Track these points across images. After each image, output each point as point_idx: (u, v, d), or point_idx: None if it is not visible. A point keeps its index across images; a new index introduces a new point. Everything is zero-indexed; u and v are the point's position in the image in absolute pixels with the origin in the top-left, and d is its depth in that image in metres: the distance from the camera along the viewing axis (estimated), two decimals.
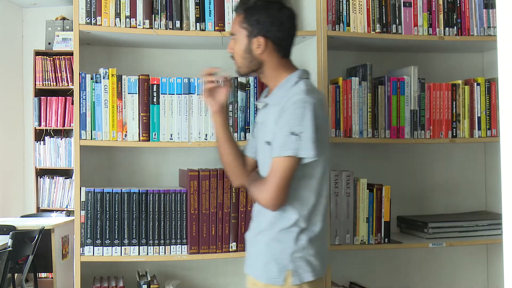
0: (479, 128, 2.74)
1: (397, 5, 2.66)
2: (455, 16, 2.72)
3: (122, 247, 2.39)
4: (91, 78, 2.39)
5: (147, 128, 2.41)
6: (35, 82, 5.57)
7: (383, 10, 2.64)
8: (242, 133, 2.50)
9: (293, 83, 1.96)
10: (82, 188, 2.38)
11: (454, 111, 2.72)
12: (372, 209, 2.59)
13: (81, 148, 2.37)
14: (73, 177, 4.44)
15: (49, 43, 5.63)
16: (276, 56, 1.99)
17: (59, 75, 5.57)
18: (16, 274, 4.53)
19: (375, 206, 2.59)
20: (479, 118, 2.74)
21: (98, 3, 2.40)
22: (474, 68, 3.02)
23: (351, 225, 2.57)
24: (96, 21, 2.40)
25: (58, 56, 5.55)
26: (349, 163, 2.81)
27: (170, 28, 2.47)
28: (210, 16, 2.48)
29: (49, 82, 5.57)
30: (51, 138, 5.64)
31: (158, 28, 2.46)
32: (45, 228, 4.15)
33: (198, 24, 2.48)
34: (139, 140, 2.41)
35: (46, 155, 5.63)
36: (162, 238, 2.42)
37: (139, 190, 2.41)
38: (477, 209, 3.02)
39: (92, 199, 2.37)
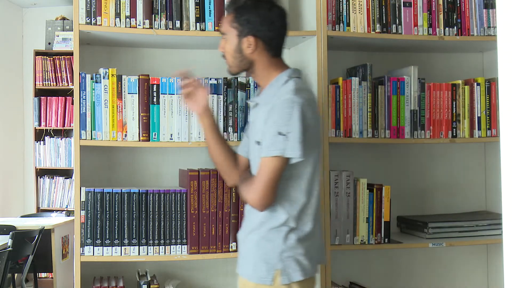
0: (479, 128, 2.74)
1: (397, 5, 2.66)
2: (455, 16, 2.72)
3: (122, 247, 2.39)
4: (91, 78, 2.39)
5: (147, 128, 2.41)
6: (35, 82, 5.57)
7: (383, 10, 2.64)
8: (242, 133, 2.50)
9: (282, 82, 1.96)
10: (82, 188, 2.38)
11: (454, 111, 2.72)
12: (372, 209, 2.59)
13: (81, 148, 2.37)
14: (73, 177, 4.44)
15: (49, 43, 5.63)
16: (267, 56, 1.99)
17: (59, 75, 5.57)
18: (16, 274, 4.54)
19: (375, 206, 2.59)
20: (479, 118, 2.74)
21: (98, 3, 2.40)
22: (474, 68, 3.02)
23: (351, 225, 2.57)
24: (96, 21, 2.40)
25: (58, 56, 5.55)
26: (349, 163, 2.81)
27: (170, 28, 2.47)
28: (210, 16, 2.48)
29: (49, 82, 5.58)
30: (51, 138, 5.64)
31: (158, 28, 2.46)
32: (45, 228, 4.15)
33: (198, 24, 2.48)
34: (139, 140, 2.41)
35: (46, 155, 5.63)
36: (162, 238, 2.42)
37: (139, 190, 2.41)
38: (477, 209, 3.02)
39: (92, 199, 2.37)
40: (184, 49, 2.75)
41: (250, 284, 1.94)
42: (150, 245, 2.41)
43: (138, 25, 2.44)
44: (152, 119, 2.42)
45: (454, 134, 2.72)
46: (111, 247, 2.38)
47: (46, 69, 5.56)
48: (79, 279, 2.36)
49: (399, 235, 2.79)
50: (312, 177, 1.95)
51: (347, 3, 2.60)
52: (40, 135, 5.66)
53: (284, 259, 1.90)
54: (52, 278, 4.51)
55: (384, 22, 2.64)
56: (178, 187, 2.53)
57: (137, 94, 2.41)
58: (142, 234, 2.40)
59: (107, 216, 2.38)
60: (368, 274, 2.88)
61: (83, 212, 2.37)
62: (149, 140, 2.42)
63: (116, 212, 2.39)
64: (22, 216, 5.21)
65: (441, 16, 2.70)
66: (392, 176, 2.91)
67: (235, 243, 2.46)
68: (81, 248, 2.37)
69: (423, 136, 2.68)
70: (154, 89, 2.42)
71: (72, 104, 4.63)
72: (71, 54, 4.20)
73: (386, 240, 2.60)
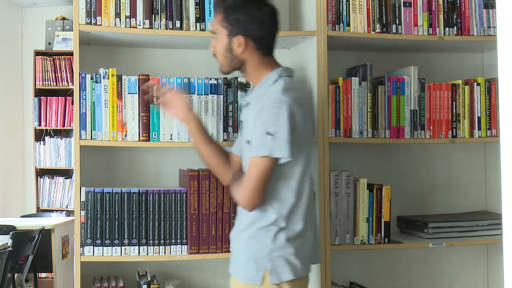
0: (479, 128, 2.74)
1: (397, 5, 2.66)
2: (455, 16, 2.72)
3: (122, 247, 2.39)
4: (91, 78, 2.39)
5: (147, 128, 2.41)
6: (35, 82, 5.58)
7: (383, 10, 2.64)
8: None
9: (272, 81, 1.96)
10: (82, 188, 2.38)
11: (454, 111, 2.72)
12: (372, 209, 2.59)
13: (81, 148, 2.37)
14: (73, 177, 4.44)
15: (49, 43, 5.63)
16: (257, 55, 1.98)
17: (59, 75, 5.57)
18: (16, 274, 4.54)
19: (375, 206, 2.59)
20: (479, 118, 2.74)
21: (98, 3, 2.40)
22: (474, 68, 3.02)
23: (351, 225, 2.57)
24: (96, 21, 2.40)
25: (58, 56, 5.55)
26: (349, 163, 2.81)
27: (170, 28, 2.47)
28: (210, 16, 2.48)
29: (49, 82, 5.58)
30: (51, 138, 5.65)
31: (158, 28, 2.46)
32: (45, 228, 4.15)
33: (198, 24, 2.48)
34: (139, 140, 2.41)
35: (46, 155, 5.64)
36: (162, 238, 2.42)
37: (139, 190, 2.41)
38: (477, 209, 3.02)
39: (92, 199, 2.37)
40: (184, 49, 2.75)
41: (240, 283, 1.94)
42: (150, 245, 2.41)
43: (138, 25, 2.44)
44: (152, 119, 2.42)
45: (454, 134, 2.72)
46: (111, 247, 2.38)
47: (46, 69, 5.56)
48: (79, 279, 2.36)
49: (399, 235, 2.79)
50: (302, 177, 1.94)
51: (347, 3, 2.60)
52: (40, 135, 5.66)
53: (273, 258, 1.89)
54: (52, 278, 4.51)
55: (384, 22, 2.64)
56: (178, 187, 2.53)
57: (137, 94, 2.41)
58: (142, 234, 2.40)
59: (107, 216, 2.38)
60: (368, 274, 2.88)
61: (83, 212, 2.37)
62: (149, 140, 2.42)
63: (116, 212, 2.39)
64: (22, 216, 5.21)
65: (441, 16, 2.70)
66: (392, 176, 2.91)
67: None
68: (81, 248, 2.37)
69: (423, 136, 2.68)
70: (154, 89, 2.42)
71: (72, 104, 4.63)
72: (71, 54, 4.20)
73: (386, 240, 2.60)
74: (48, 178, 5.67)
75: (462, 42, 2.75)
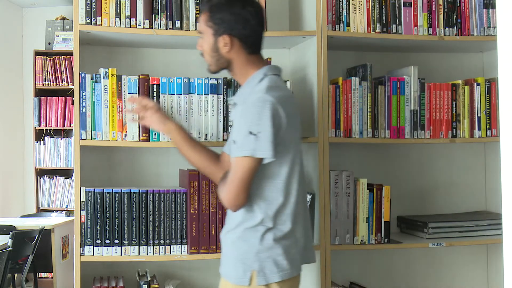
0: (479, 128, 2.74)
1: (397, 5, 2.66)
2: (455, 16, 2.72)
3: (122, 247, 2.39)
4: (91, 78, 2.39)
5: (147, 128, 2.41)
6: (35, 82, 5.57)
7: (383, 10, 2.64)
8: None
9: (258, 81, 1.95)
10: (82, 188, 2.38)
11: (454, 111, 2.72)
12: (372, 209, 2.59)
13: (81, 148, 2.37)
14: (73, 177, 4.44)
15: (49, 43, 5.63)
16: (244, 54, 1.97)
17: (59, 75, 5.57)
18: (16, 274, 4.53)
19: (375, 206, 2.59)
20: (479, 118, 2.74)
21: (98, 3, 2.40)
22: (474, 68, 3.02)
23: (351, 225, 2.57)
24: (96, 21, 2.40)
25: (58, 56, 5.55)
26: (349, 163, 2.81)
27: (170, 28, 2.47)
28: None
29: (49, 82, 5.58)
30: (51, 138, 5.64)
31: (158, 28, 2.46)
32: (45, 228, 4.15)
33: (198, 24, 2.48)
34: (139, 140, 2.41)
35: (46, 155, 5.63)
36: (162, 238, 2.42)
37: (139, 190, 2.41)
38: (477, 209, 3.02)
39: (92, 199, 2.37)
40: (184, 49, 2.75)
41: (229, 284, 1.93)
42: (150, 245, 2.41)
43: (138, 25, 2.44)
44: None
45: (454, 134, 2.72)
46: (111, 247, 2.38)
47: (46, 69, 5.56)
48: (79, 279, 2.36)
49: (399, 235, 2.79)
50: (290, 177, 1.92)
51: (347, 3, 2.60)
52: (40, 135, 5.66)
53: (261, 259, 1.88)
54: (52, 278, 4.51)
55: (384, 22, 2.64)
56: (178, 187, 2.53)
57: (137, 94, 2.41)
58: (142, 234, 2.40)
59: (107, 216, 2.38)
60: (368, 274, 2.88)
61: (83, 212, 2.37)
62: (149, 140, 2.41)
63: (116, 212, 2.39)
64: (22, 216, 5.21)
65: (441, 16, 2.70)
66: (392, 176, 2.91)
67: None
68: (81, 248, 2.37)
69: (423, 136, 2.68)
70: (154, 89, 2.42)
71: (72, 104, 4.63)
72: (71, 54, 4.20)
73: (386, 240, 2.60)
74: (48, 178, 5.67)
75: (462, 42, 2.76)
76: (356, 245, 2.58)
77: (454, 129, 2.72)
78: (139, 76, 2.42)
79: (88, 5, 2.40)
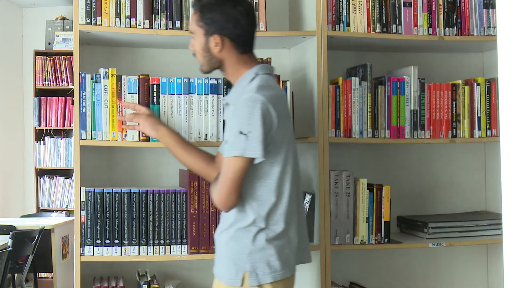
0: (479, 128, 2.74)
1: (397, 5, 2.66)
2: (455, 16, 2.72)
3: (122, 247, 2.39)
4: (91, 78, 2.39)
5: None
6: (35, 82, 5.57)
7: (383, 10, 2.64)
8: None
9: (249, 80, 1.94)
10: (82, 188, 2.38)
11: (454, 111, 2.72)
12: (372, 209, 2.59)
13: (81, 148, 2.37)
14: (73, 177, 4.44)
15: (49, 43, 5.63)
16: (235, 53, 1.97)
17: (59, 75, 5.57)
18: (16, 274, 4.54)
19: (375, 206, 2.59)
20: (479, 118, 2.74)
21: (98, 3, 2.40)
22: (474, 68, 3.02)
23: (351, 225, 2.57)
24: (96, 21, 2.40)
25: (58, 56, 5.55)
26: (349, 163, 2.81)
27: (170, 28, 2.47)
28: None
29: (49, 82, 5.58)
30: (51, 138, 5.64)
31: (158, 28, 2.46)
32: (45, 228, 4.15)
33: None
34: (139, 140, 2.41)
35: (46, 155, 5.63)
36: (162, 238, 2.42)
37: (139, 190, 2.41)
38: (477, 209, 3.02)
39: (92, 199, 2.37)
40: (184, 49, 2.73)
41: (222, 285, 1.92)
42: (150, 245, 2.41)
43: (138, 25, 2.44)
44: None
45: (454, 134, 2.72)
46: (111, 247, 2.38)
47: (46, 69, 5.56)
48: (79, 279, 2.36)
49: (399, 235, 2.79)
50: (282, 176, 1.91)
51: (347, 3, 2.60)
52: (40, 135, 5.66)
53: (253, 260, 1.87)
54: (52, 278, 4.51)
55: (384, 22, 2.64)
56: (178, 187, 2.53)
57: (137, 94, 2.41)
58: (142, 234, 2.40)
59: (107, 216, 2.38)
60: (368, 274, 2.88)
61: (83, 212, 2.37)
62: (149, 140, 2.41)
63: (116, 212, 2.39)
64: (22, 216, 5.21)
65: (441, 16, 2.70)
66: (392, 176, 2.91)
67: None
68: (81, 248, 2.37)
69: (423, 136, 2.68)
70: (154, 89, 2.42)
71: (72, 104, 4.63)
72: (71, 54, 4.20)
73: (386, 240, 2.60)
74: (48, 178, 5.67)
75: (462, 42, 2.76)
76: (356, 245, 2.58)
77: (454, 129, 2.72)
78: (139, 76, 2.42)
79: (88, 5, 2.40)
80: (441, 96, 2.71)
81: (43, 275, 5.21)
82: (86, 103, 2.38)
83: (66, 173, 5.72)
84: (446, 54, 3.02)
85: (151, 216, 2.41)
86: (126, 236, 2.39)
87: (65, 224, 4.53)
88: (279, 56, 2.78)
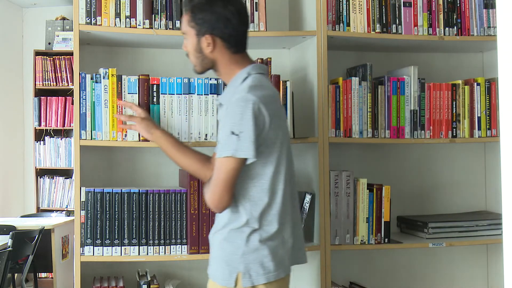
0: (479, 128, 2.74)
1: (397, 5, 2.66)
2: (455, 16, 2.72)
3: (122, 247, 2.39)
4: (91, 78, 2.39)
5: None
6: (35, 82, 5.57)
7: (383, 10, 2.64)
8: None
9: (241, 80, 1.93)
10: (82, 188, 2.38)
11: (454, 111, 2.72)
12: (372, 209, 2.59)
13: (81, 148, 2.37)
14: (73, 177, 4.44)
15: (49, 43, 5.63)
16: (228, 53, 1.96)
17: (59, 75, 5.57)
18: (16, 274, 4.53)
19: (375, 206, 2.59)
20: (479, 118, 2.74)
21: (98, 3, 2.40)
22: (474, 68, 3.02)
23: (351, 225, 2.57)
24: (96, 21, 2.40)
25: (58, 56, 5.55)
26: (349, 163, 2.81)
27: (170, 28, 2.47)
28: None
29: (49, 82, 5.58)
30: (51, 138, 5.64)
31: (158, 28, 2.46)
32: (45, 228, 4.15)
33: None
34: (139, 140, 2.41)
35: (46, 155, 5.63)
36: (162, 238, 2.42)
37: (139, 190, 2.41)
38: (477, 209, 3.03)
39: (92, 199, 2.37)
40: None
41: (216, 286, 1.91)
42: (150, 245, 2.41)
43: (138, 25, 2.44)
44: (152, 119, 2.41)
45: (454, 134, 2.72)
46: (111, 247, 2.38)
47: (46, 69, 5.56)
48: (79, 279, 2.36)
49: (399, 235, 2.79)
50: (275, 177, 1.89)
51: (347, 3, 2.60)
52: (40, 135, 5.66)
53: (246, 261, 1.86)
54: (52, 278, 4.51)
55: (384, 22, 2.64)
56: (178, 187, 2.53)
57: (137, 94, 2.41)
58: (142, 234, 2.40)
59: (107, 216, 2.38)
60: (368, 274, 2.88)
61: (83, 212, 2.37)
62: (149, 140, 2.41)
63: (116, 212, 2.39)
64: (22, 216, 5.21)
65: (441, 16, 2.70)
66: (392, 176, 2.91)
67: None
68: (81, 248, 2.37)
69: (423, 136, 2.68)
70: (154, 89, 2.42)
71: (72, 104, 4.63)
72: (71, 54, 4.20)
73: (386, 240, 2.60)
74: (48, 178, 5.67)
75: (462, 42, 2.76)
76: (356, 245, 2.58)
77: (454, 129, 2.72)
78: (139, 76, 2.42)
79: (88, 5, 2.40)
80: (441, 96, 2.71)
81: (43, 275, 5.21)
82: (86, 103, 2.38)
83: (66, 173, 5.72)
84: (446, 54, 3.02)
85: (151, 216, 2.41)
86: (126, 236, 2.39)
87: (65, 224, 4.53)
88: (279, 56, 2.78)
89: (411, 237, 2.75)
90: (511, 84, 1.01)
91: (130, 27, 2.43)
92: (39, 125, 5.61)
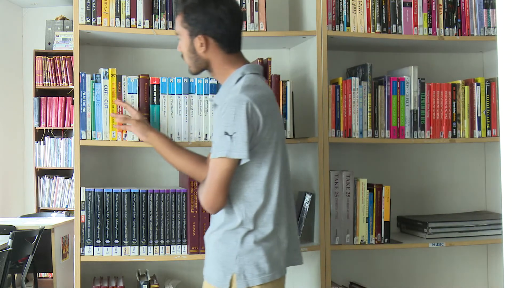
0: (479, 128, 2.74)
1: (397, 5, 2.66)
2: (455, 16, 2.72)
3: (122, 247, 2.39)
4: (91, 78, 2.39)
5: None
6: (35, 82, 5.57)
7: (383, 10, 2.64)
8: None
9: (235, 80, 1.92)
10: (82, 188, 2.38)
11: (454, 111, 2.72)
12: (372, 209, 2.59)
13: (81, 148, 2.37)
14: (73, 177, 4.44)
15: (49, 43, 5.63)
16: (221, 53, 1.95)
17: (59, 75, 5.57)
18: (16, 274, 4.53)
19: (375, 206, 2.59)
20: (479, 118, 2.74)
21: (98, 3, 2.41)
22: (474, 68, 3.02)
23: (351, 225, 2.57)
24: (96, 21, 2.40)
25: (58, 56, 5.55)
26: (349, 163, 2.81)
27: (170, 28, 2.47)
28: None
29: (49, 82, 5.58)
30: (51, 138, 5.64)
31: (158, 28, 2.46)
32: (45, 228, 4.15)
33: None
34: (139, 140, 2.41)
35: (46, 155, 5.63)
36: (162, 238, 2.42)
37: (139, 190, 2.41)
38: (477, 209, 3.03)
39: (92, 199, 2.37)
40: None
41: (211, 287, 1.90)
42: (150, 245, 2.41)
43: (138, 25, 2.44)
44: (152, 119, 2.42)
45: (454, 134, 2.72)
46: (111, 247, 2.38)
47: (46, 69, 5.56)
48: (79, 279, 2.36)
49: (399, 235, 2.79)
50: (270, 177, 1.88)
51: (347, 3, 2.60)
52: (40, 135, 5.66)
53: (241, 262, 1.85)
54: (52, 278, 4.51)
55: (384, 22, 2.64)
56: (178, 187, 2.53)
57: (137, 94, 2.41)
58: (142, 234, 2.40)
59: (107, 216, 2.38)
60: (368, 274, 2.88)
61: (83, 212, 2.37)
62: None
63: (116, 212, 2.39)
64: (22, 216, 5.21)
65: (441, 16, 2.70)
66: (392, 176, 2.91)
67: None
68: (81, 248, 2.37)
69: (423, 136, 2.68)
70: (154, 89, 2.42)
71: (72, 104, 4.63)
72: (71, 54, 4.20)
73: (386, 240, 2.60)
74: (48, 178, 5.67)
75: (462, 42, 2.76)
76: (356, 245, 2.58)
77: (454, 129, 2.72)
78: (139, 76, 2.42)
79: (88, 5, 2.40)
80: (441, 96, 2.71)
81: (43, 275, 5.21)
82: (86, 103, 2.38)
83: (66, 173, 5.72)
84: (446, 54, 3.02)
85: (151, 216, 2.41)
86: (126, 236, 2.39)
87: (65, 224, 4.53)
88: (279, 56, 2.78)
89: (411, 237, 2.75)
90: (511, 84, 1.01)
91: (130, 27, 2.43)
92: (39, 125, 5.61)
